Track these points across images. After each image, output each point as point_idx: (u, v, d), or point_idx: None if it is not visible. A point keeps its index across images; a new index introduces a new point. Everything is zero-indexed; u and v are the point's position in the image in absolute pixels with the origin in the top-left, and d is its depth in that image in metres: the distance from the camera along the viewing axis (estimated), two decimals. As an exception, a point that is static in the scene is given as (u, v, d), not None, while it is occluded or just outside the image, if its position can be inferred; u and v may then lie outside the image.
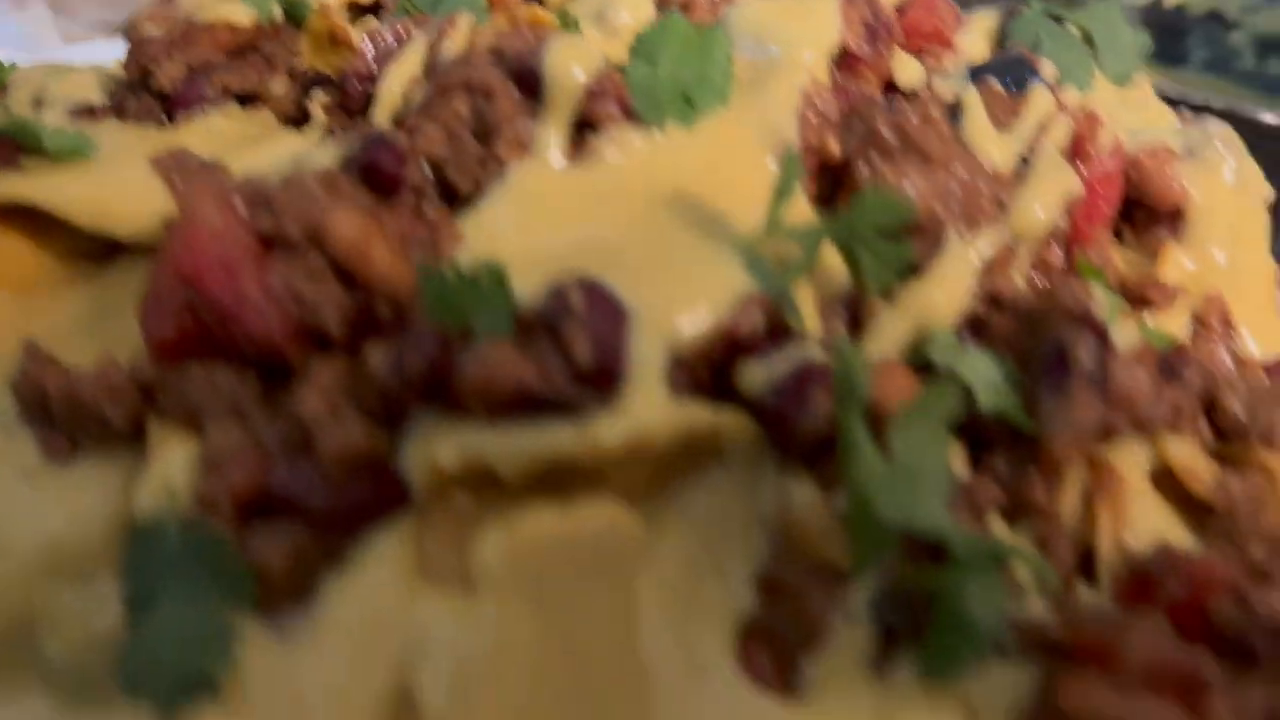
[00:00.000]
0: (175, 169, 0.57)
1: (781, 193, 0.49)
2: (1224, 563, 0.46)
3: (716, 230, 0.51)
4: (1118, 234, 0.66)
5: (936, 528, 0.45)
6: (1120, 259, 0.63)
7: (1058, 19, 0.72)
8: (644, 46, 0.57)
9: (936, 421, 0.47)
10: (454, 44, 0.60)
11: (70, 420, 0.50)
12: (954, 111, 0.59)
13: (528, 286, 0.47)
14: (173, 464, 0.46)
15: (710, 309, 0.47)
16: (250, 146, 0.62)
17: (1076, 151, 0.60)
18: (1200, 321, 0.63)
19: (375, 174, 0.53)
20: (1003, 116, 0.59)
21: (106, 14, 1.41)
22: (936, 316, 0.53)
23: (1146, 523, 0.52)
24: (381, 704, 0.42)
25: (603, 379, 0.45)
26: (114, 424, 0.49)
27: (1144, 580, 0.47)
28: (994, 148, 0.57)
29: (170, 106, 0.65)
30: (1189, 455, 0.53)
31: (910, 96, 0.62)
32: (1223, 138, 0.66)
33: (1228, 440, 0.56)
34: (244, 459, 0.44)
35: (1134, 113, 0.68)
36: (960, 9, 0.74)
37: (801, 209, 0.55)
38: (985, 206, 0.56)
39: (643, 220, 0.52)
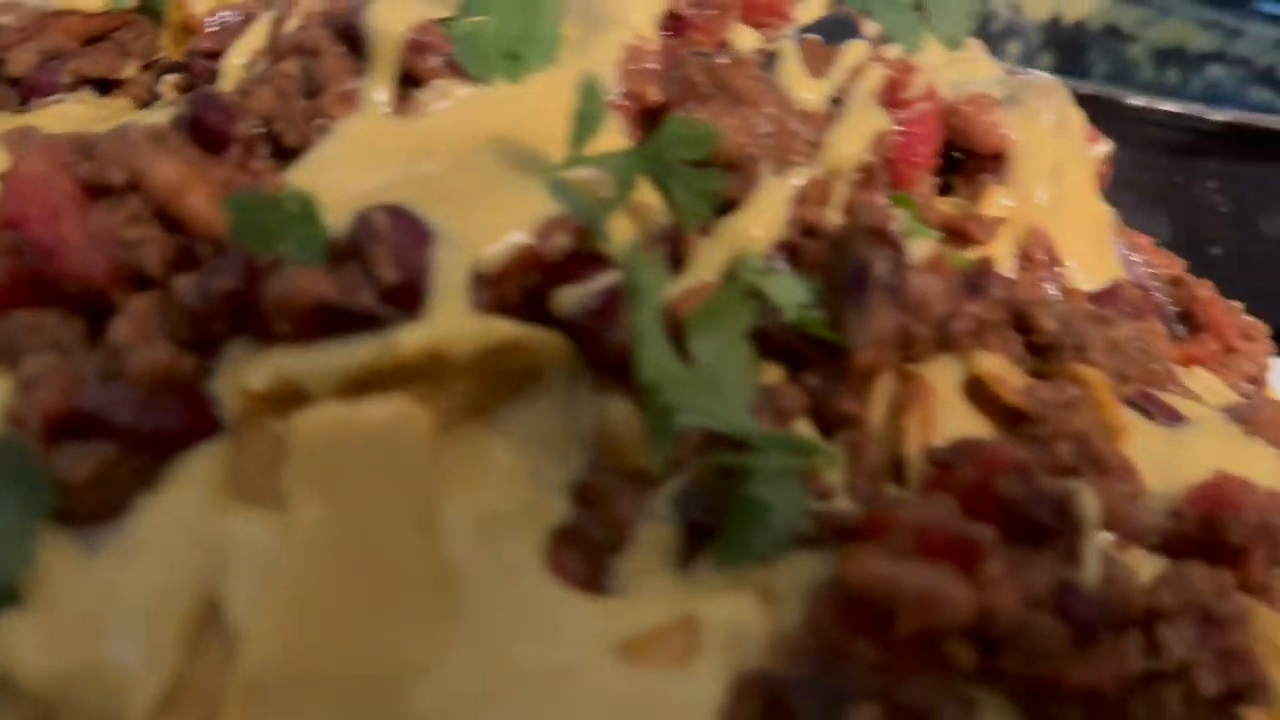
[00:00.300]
0: (21, 141, 0.59)
1: (582, 121, 0.51)
2: (1015, 448, 0.48)
3: (531, 167, 0.53)
4: (948, 187, 0.69)
5: (737, 427, 0.47)
6: (945, 203, 0.66)
7: (890, -12, 0.75)
8: (472, 2, 0.60)
9: (735, 328, 0.49)
10: (297, 17, 0.62)
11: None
12: (771, 60, 0.62)
13: (343, 221, 0.49)
14: (-4, 392, 0.47)
15: (514, 231, 0.49)
16: (101, 126, 0.64)
17: (890, 97, 0.63)
18: (1025, 255, 0.65)
19: (203, 129, 0.55)
20: (818, 65, 0.62)
21: None
22: (751, 247, 0.55)
23: (956, 431, 0.54)
24: (188, 614, 0.43)
25: (406, 295, 0.46)
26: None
27: (942, 470, 0.48)
28: (805, 90, 0.60)
29: (25, 94, 0.67)
30: (999, 366, 0.56)
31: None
32: (1044, 87, 0.69)
33: (1043, 356, 0.58)
34: (55, 380, 0.45)
35: (961, 69, 0.71)
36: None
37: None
38: (797, 144, 0.58)
39: (460, 161, 0.54)
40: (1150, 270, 0.75)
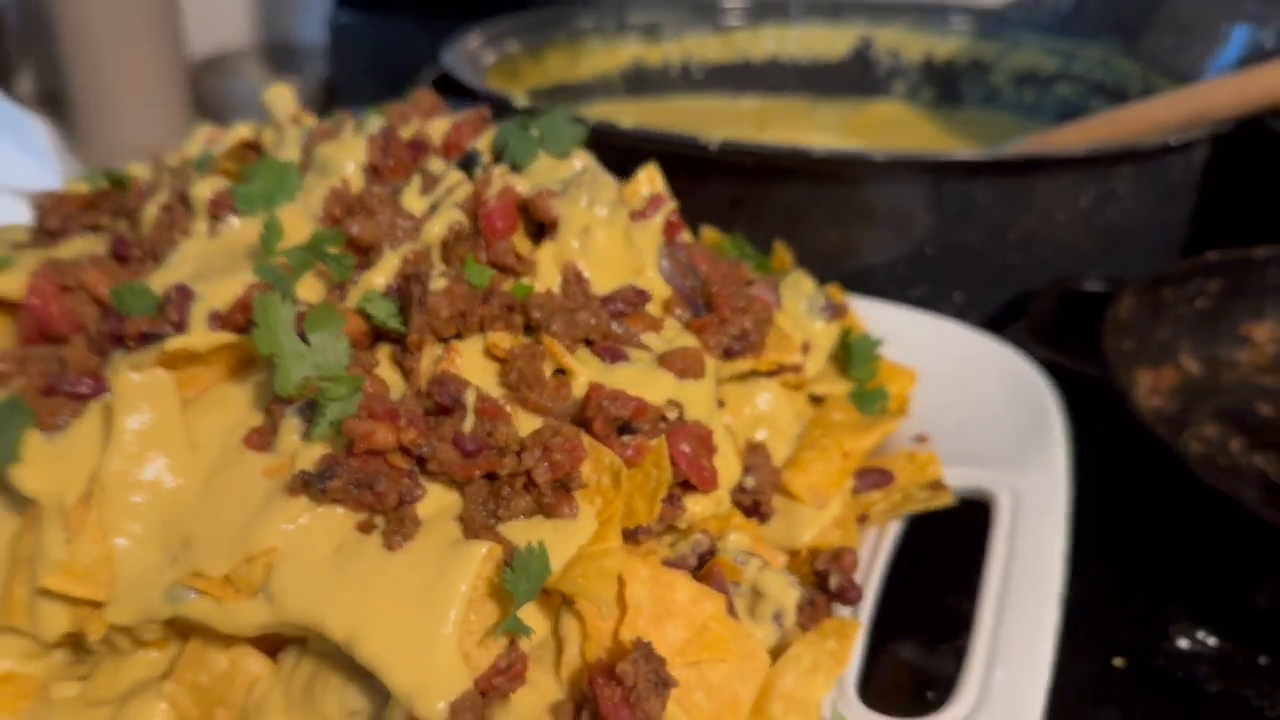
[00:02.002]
0: (40, 267, 1.19)
1: (266, 239, 1.08)
2: (456, 378, 1.01)
3: (255, 257, 1.10)
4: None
5: (330, 372, 1.02)
6: (523, 246, 1.20)
7: (525, 126, 1.29)
8: (249, 173, 1.18)
9: (334, 327, 1.04)
10: (163, 191, 1.21)
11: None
12: (399, 189, 1.17)
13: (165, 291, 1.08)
14: (14, 384, 1.06)
15: (235, 290, 1.06)
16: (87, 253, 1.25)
17: (477, 199, 1.17)
18: (564, 278, 1.18)
19: (117, 253, 1.15)
20: (430, 185, 1.17)
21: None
22: (373, 286, 1.10)
23: (471, 374, 1.06)
24: (89, 469, 1.01)
25: (180, 325, 1.04)
26: None
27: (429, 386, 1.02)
28: (415, 204, 1.15)
29: (53, 238, 1.29)
30: (500, 338, 1.09)
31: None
32: (592, 183, 1.21)
33: (534, 330, 1.11)
34: (40, 372, 1.05)
35: (552, 172, 1.24)
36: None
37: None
38: (404, 232, 1.13)
39: (227, 256, 1.12)
40: (693, 276, 1.26)
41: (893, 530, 1.27)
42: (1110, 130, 1.85)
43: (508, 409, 1.04)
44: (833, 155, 1.65)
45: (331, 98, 2.70)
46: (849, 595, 1.12)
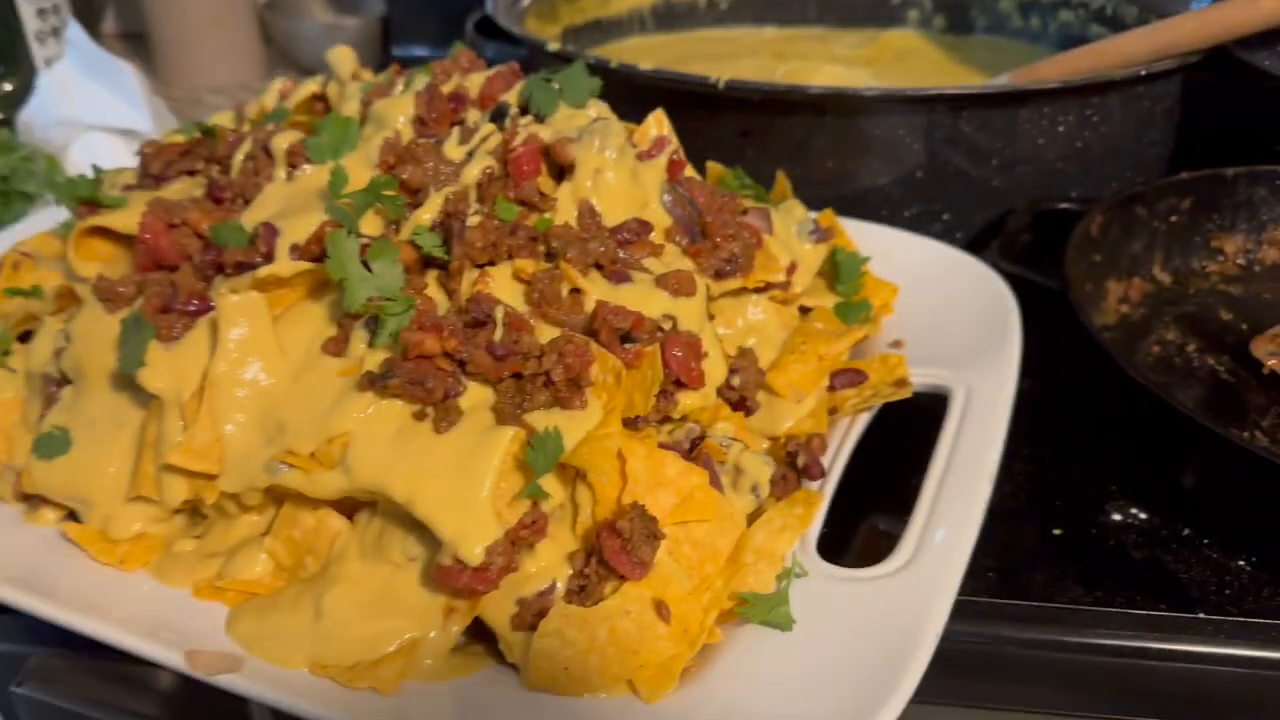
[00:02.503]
0: (149, 203, 1.44)
1: (334, 184, 1.32)
2: (488, 298, 1.25)
3: (325, 199, 1.35)
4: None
5: (387, 291, 1.26)
6: (547, 185, 1.43)
7: (548, 80, 1.51)
8: (318, 126, 1.42)
9: (390, 256, 1.28)
10: (248, 143, 1.46)
11: None
12: (441, 140, 1.40)
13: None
14: (137, 304, 1.33)
15: (310, 228, 1.31)
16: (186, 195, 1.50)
17: (505, 146, 1.40)
18: (580, 213, 1.40)
19: (211, 195, 1.40)
20: (466, 136, 1.40)
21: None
22: (422, 222, 1.34)
23: (502, 294, 1.30)
24: (200, 370, 1.27)
25: (268, 255, 1.29)
26: None
27: (466, 304, 1.27)
28: (453, 153, 1.38)
29: (157, 181, 1.54)
30: (525, 264, 1.32)
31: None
32: (603, 130, 1.43)
33: (553, 257, 1.34)
34: (157, 295, 1.31)
35: (570, 121, 1.46)
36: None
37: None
38: (447, 177, 1.37)
39: (303, 199, 1.36)
40: (688, 208, 1.48)
41: (861, 421, 1.50)
42: (1092, 62, 2.01)
43: (531, 322, 1.28)
44: (828, 92, 1.84)
45: (389, 36, 2.92)
46: (813, 471, 1.36)
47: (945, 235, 2.03)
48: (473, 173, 1.37)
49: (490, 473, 1.15)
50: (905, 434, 1.54)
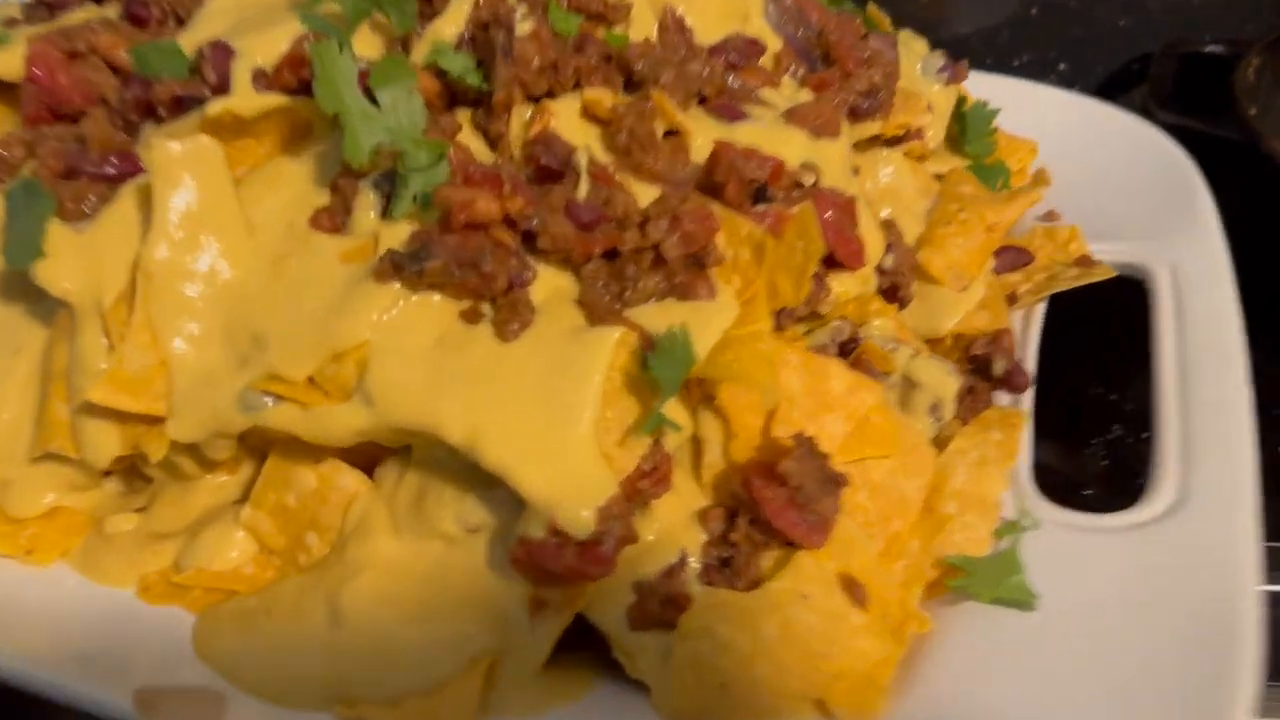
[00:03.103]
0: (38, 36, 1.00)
1: (315, -24, 0.89)
2: (554, 135, 0.83)
3: (300, 6, 0.91)
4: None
5: (405, 136, 0.84)
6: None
7: None
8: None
9: (405, 84, 0.85)
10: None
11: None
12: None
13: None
14: (26, 168, 0.89)
15: (280, 45, 0.88)
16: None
17: (556, -68, 0.98)
18: (661, 26, 0.99)
19: (132, 15, 0.96)
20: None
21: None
22: (443, 37, 0.92)
23: (576, 136, 0.89)
24: (129, 261, 0.84)
25: (221, 87, 0.86)
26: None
27: (528, 150, 0.85)
28: (485, -63, 0.96)
29: (52, 10, 1.09)
30: (599, 94, 0.91)
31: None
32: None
33: (637, 87, 0.93)
34: (57, 152, 0.87)
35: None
36: None
37: None
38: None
39: (264, 9, 0.93)
40: (800, 27, 1.07)
41: (1040, 313, 1.11)
42: None
43: (617, 178, 0.86)
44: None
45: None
46: (1016, 381, 0.98)
47: (1061, 86, 1.64)
48: (513, -33, 0.94)
49: (591, 396, 0.76)
50: (1091, 328, 1.16)
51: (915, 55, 1.26)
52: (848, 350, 0.96)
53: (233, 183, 0.84)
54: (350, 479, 0.83)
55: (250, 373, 0.80)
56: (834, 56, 1.05)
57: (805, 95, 1.01)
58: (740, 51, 0.99)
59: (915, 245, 1.09)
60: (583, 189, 0.81)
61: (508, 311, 0.79)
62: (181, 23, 0.97)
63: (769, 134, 0.92)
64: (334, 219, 0.85)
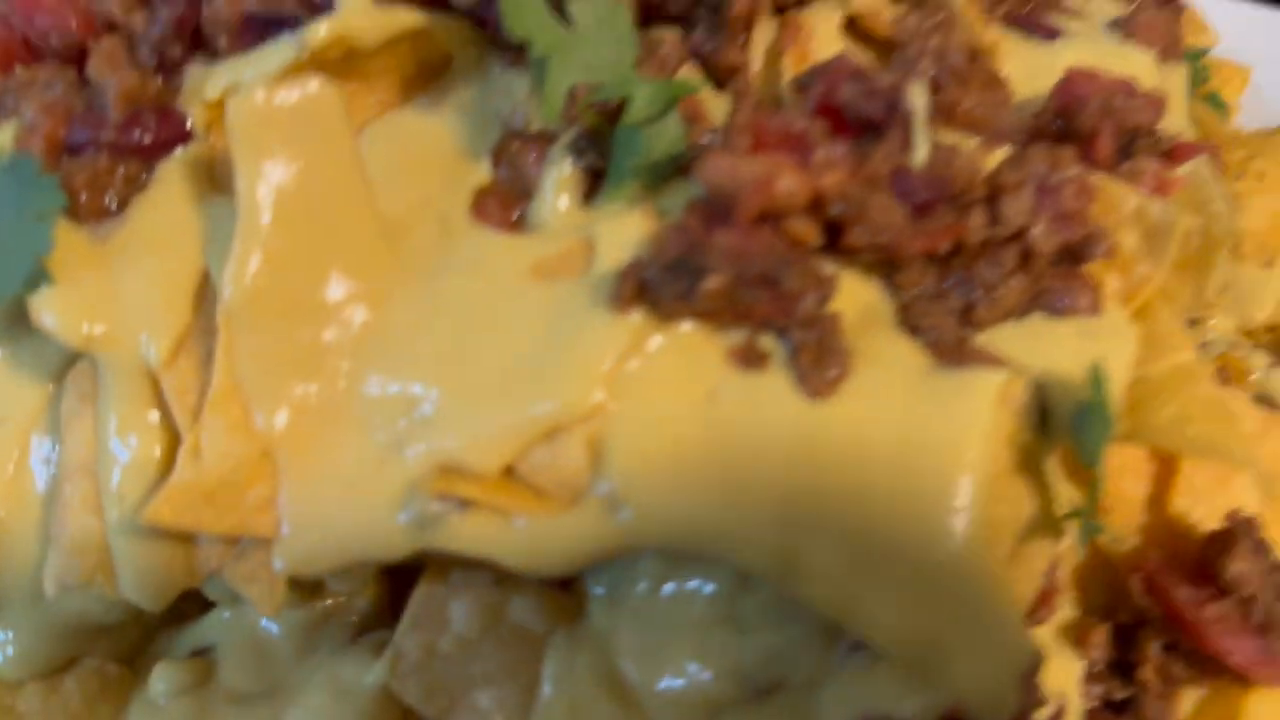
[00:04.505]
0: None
1: None
2: (854, 62, 0.54)
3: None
4: None
5: (616, 76, 0.54)
6: None
7: None
8: None
9: (610, -7, 0.55)
10: None
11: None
12: None
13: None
14: (4, 134, 0.56)
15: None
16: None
17: None
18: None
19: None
20: None
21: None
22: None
23: (831, 67, 0.60)
24: (189, 281, 0.53)
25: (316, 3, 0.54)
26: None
27: (801, 90, 0.55)
28: None
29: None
30: (872, 2, 0.61)
31: None
32: None
33: (917, -12, 0.64)
34: (53, 111, 0.55)
35: None
36: None
37: None
38: None
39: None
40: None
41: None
42: None
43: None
44: None
45: None
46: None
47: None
48: None
49: (982, 494, 0.47)
50: None
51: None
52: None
53: (360, 155, 0.52)
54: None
55: (412, 464, 0.50)
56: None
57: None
58: (1029, -61, 0.69)
59: (1204, 203, 0.82)
60: (920, 150, 0.51)
61: (815, 352, 0.50)
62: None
63: (1109, 58, 0.63)
64: (507, 207, 0.55)
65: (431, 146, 0.57)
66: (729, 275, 0.48)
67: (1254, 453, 0.54)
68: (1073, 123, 0.58)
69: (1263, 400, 0.71)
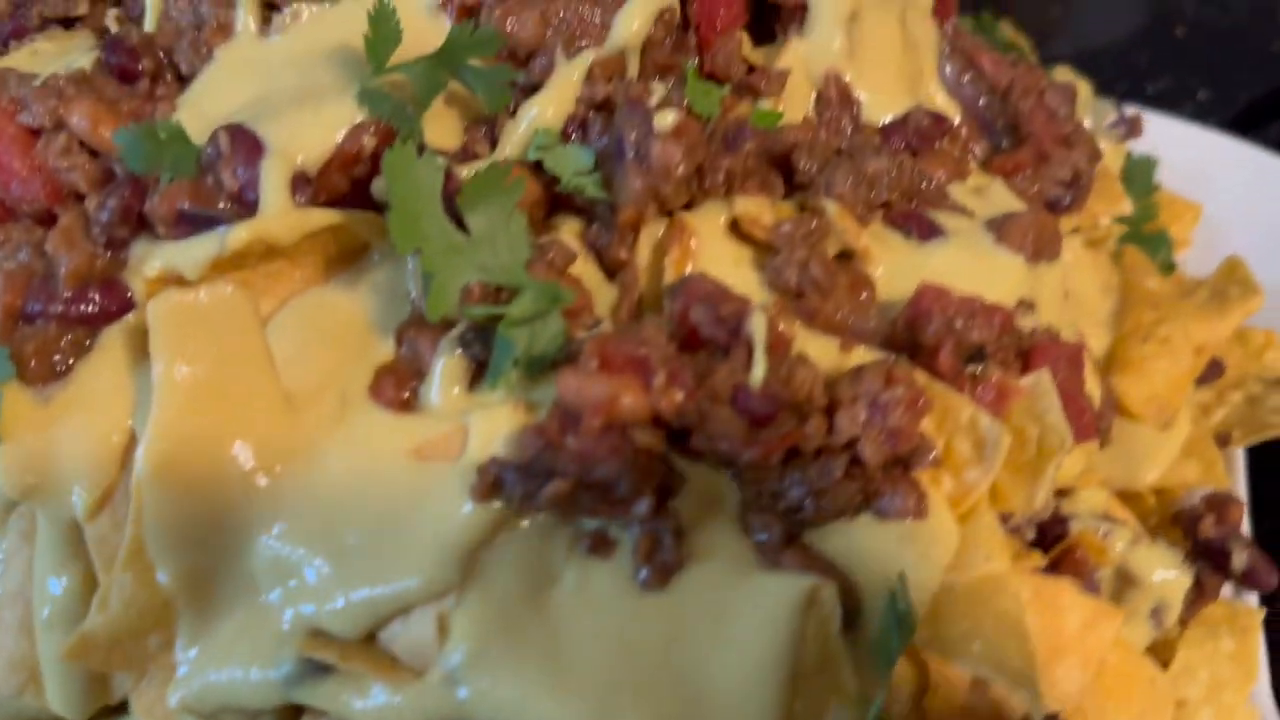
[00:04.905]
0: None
1: (377, 46, 0.64)
2: (707, 281, 0.60)
3: (355, 75, 0.67)
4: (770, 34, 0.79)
5: (509, 279, 0.61)
6: (755, 53, 0.77)
7: None
8: (325, -66, 0.72)
9: (506, 200, 0.62)
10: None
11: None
12: (569, -48, 0.72)
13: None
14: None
15: (330, 136, 0.63)
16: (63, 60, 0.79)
17: (688, -30, 0.73)
18: (820, 97, 0.75)
19: (114, 69, 0.71)
20: (616, -47, 0.72)
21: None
22: (547, 122, 0.68)
23: (715, 267, 0.66)
24: (117, 444, 0.61)
25: (243, 198, 0.62)
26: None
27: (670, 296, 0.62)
28: (596, -19, 0.71)
29: (4, 39, 0.83)
30: (755, 206, 0.67)
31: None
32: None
33: (802, 192, 0.70)
34: (11, 284, 0.63)
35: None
36: None
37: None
38: (588, 29, 0.69)
39: (301, 73, 0.68)
40: (981, 88, 0.83)
41: (1240, 460, 0.90)
42: None
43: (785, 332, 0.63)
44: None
45: None
46: (1261, 579, 0.76)
47: (1198, 117, 1.43)
48: (635, 22, 0.69)
49: (774, 700, 0.53)
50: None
51: (1082, 105, 1.02)
52: (1051, 536, 0.74)
53: (266, 346, 0.60)
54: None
55: (288, 625, 0.57)
56: (1025, 131, 0.82)
57: (999, 190, 0.77)
58: (923, 134, 0.75)
59: (1105, 365, 0.87)
60: (758, 371, 0.57)
61: (649, 547, 0.57)
62: (183, 80, 0.72)
63: (978, 262, 0.69)
64: (401, 388, 0.62)
65: (344, 323, 0.64)
66: (571, 481, 0.55)
67: (1049, 672, 0.59)
68: (918, 337, 0.64)
69: (1123, 576, 0.76)
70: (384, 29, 0.64)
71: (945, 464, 0.62)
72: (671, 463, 0.59)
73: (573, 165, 0.66)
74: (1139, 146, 1.15)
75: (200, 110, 0.68)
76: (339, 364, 0.63)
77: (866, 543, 0.59)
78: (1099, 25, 1.38)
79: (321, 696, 0.57)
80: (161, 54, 0.72)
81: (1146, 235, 1.08)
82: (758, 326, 0.58)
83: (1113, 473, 0.84)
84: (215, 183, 0.62)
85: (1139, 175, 1.09)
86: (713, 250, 0.67)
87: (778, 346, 0.60)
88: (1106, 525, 0.75)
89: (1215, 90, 1.43)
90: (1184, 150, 1.21)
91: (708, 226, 0.67)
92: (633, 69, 0.71)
